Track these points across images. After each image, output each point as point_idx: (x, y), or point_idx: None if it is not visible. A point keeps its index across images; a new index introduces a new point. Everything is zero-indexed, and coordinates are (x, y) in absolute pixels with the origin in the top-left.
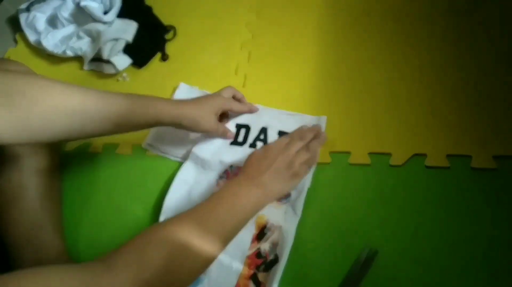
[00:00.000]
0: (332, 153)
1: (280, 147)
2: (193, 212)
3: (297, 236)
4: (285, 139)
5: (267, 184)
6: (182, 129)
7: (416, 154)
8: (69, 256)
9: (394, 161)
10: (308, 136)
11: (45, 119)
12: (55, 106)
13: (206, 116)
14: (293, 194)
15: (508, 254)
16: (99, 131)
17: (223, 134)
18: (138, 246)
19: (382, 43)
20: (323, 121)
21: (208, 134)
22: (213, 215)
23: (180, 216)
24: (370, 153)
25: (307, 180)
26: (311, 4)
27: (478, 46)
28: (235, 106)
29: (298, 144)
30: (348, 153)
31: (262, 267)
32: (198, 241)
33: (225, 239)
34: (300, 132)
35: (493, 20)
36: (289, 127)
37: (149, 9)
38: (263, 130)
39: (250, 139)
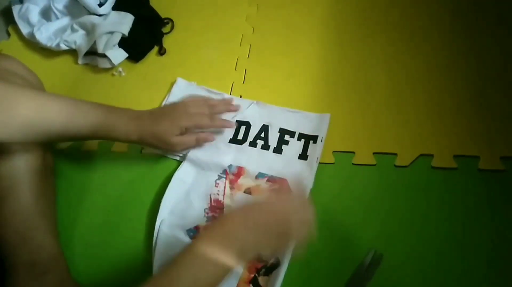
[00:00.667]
0: (335, 153)
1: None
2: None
3: None
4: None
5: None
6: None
7: (422, 155)
8: (64, 257)
9: (399, 161)
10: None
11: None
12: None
13: (169, 130)
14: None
15: None
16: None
17: (199, 142)
18: None
19: (387, 40)
20: (326, 119)
21: (177, 150)
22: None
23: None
24: (374, 153)
25: (309, 180)
26: None
27: (485, 46)
28: (203, 122)
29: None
30: (352, 153)
31: (263, 271)
32: None
33: None
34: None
35: (500, 19)
36: (291, 125)
37: (145, 1)
38: (264, 128)
39: (251, 137)
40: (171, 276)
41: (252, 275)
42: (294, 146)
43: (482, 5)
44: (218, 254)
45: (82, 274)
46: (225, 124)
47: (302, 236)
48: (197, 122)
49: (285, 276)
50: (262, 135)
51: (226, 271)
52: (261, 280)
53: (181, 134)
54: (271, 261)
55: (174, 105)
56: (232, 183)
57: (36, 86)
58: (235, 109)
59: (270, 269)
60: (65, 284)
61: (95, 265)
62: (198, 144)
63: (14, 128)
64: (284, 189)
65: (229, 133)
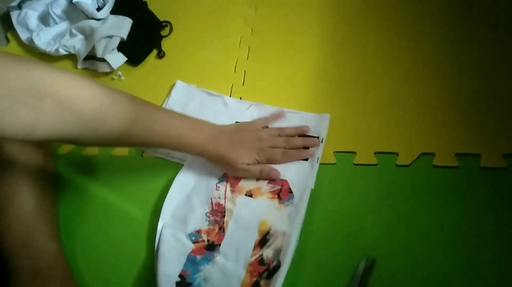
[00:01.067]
0: (336, 153)
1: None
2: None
3: (300, 239)
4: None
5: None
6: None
7: (423, 153)
8: (67, 262)
9: (401, 161)
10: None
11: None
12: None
13: (239, 159)
14: (296, 195)
15: None
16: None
17: (262, 175)
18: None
19: (386, 39)
20: (326, 119)
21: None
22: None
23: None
24: (376, 153)
25: (310, 181)
26: None
27: (486, 42)
28: (276, 158)
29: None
30: (353, 153)
31: (265, 274)
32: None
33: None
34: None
35: (501, 17)
36: (291, 126)
37: (144, 4)
38: None
39: None
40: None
41: (254, 279)
42: None
43: (482, 2)
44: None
45: (84, 278)
46: (301, 155)
47: (267, 156)
48: (269, 158)
49: (286, 276)
50: None
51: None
52: (263, 283)
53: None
54: (274, 264)
55: (250, 133)
56: (233, 186)
57: None
58: (314, 143)
59: (273, 272)
60: None
61: (97, 269)
62: (261, 177)
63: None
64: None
65: None
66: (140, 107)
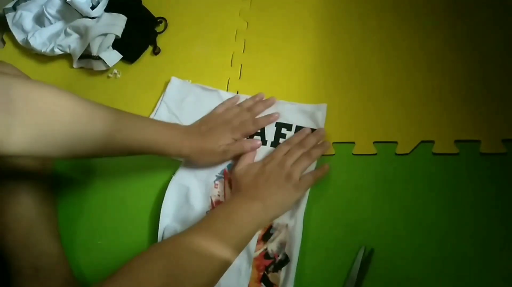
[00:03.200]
0: (335, 144)
1: (277, 158)
2: (190, 230)
3: (302, 232)
4: (284, 147)
5: (266, 198)
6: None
7: (423, 141)
8: (67, 260)
9: (400, 149)
10: (311, 143)
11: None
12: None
13: (216, 148)
14: None
15: None
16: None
17: (245, 149)
18: (134, 266)
19: (383, 27)
20: (323, 109)
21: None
22: (211, 232)
23: (177, 235)
24: (375, 143)
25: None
26: None
27: (483, 28)
28: (249, 129)
29: (297, 153)
30: (352, 143)
31: (272, 267)
32: (198, 257)
33: (228, 255)
34: (300, 138)
35: (500, 3)
36: (288, 118)
37: (138, 1)
38: None
39: None
40: (206, 225)
41: (261, 273)
42: None
43: None
44: (250, 206)
45: (85, 277)
46: (270, 120)
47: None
48: (243, 132)
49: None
50: (259, 130)
51: (258, 224)
52: (271, 277)
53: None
54: (279, 257)
55: (215, 120)
56: (231, 183)
57: None
58: (272, 102)
59: (279, 265)
60: None
61: (98, 268)
62: (245, 150)
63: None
64: None
65: None
66: (118, 117)
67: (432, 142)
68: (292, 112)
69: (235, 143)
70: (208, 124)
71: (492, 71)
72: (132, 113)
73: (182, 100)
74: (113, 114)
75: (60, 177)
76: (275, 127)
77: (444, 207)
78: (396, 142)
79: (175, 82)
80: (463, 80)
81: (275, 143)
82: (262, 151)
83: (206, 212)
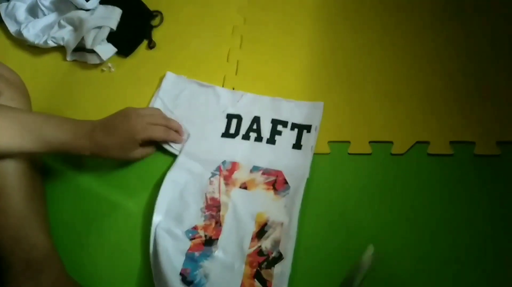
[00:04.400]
0: (331, 143)
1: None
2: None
3: (297, 230)
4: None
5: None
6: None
7: (418, 142)
8: (59, 254)
9: (395, 149)
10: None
11: None
12: None
13: (124, 145)
14: (292, 186)
15: None
16: None
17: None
18: None
19: (380, 28)
20: (319, 108)
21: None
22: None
23: None
24: (370, 142)
25: (305, 170)
26: None
27: (477, 30)
28: (158, 134)
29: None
30: (348, 142)
31: (265, 264)
32: None
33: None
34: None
35: (491, 3)
36: (283, 115)
37: None
38: (256, 120)
39: (243, 130)
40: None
41: (255, 270)
42: (288, 136)
43: None
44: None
45: (78, 271)
46: (178, 139)
47: (148, 134)
48: (151, 134)
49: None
50: (254, 127)
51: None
52: (264, 273)
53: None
54: (273, 254)
55: (127, 114)
56: (227, 179)
57: (17, 85)
58: (181, 139)
59: (272, 262)
60: (61, 281)
61: (91, 263)
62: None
63: None
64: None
65: (220, 127)
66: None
67: (428, 143)
68: (288, 109)
69: (146, 148)
70: (116, 119)
71: (487, 73)
72: (41, 114)
73: (177, 96)
74: (15, 123)
75: (51, 172)
76: (271, 124)
77: (438, 207)
78: (391, 142)
79: (170, 77)
80: (459, 82)
81: (271, 140)
82: (244, 146)
83: (201, 209)
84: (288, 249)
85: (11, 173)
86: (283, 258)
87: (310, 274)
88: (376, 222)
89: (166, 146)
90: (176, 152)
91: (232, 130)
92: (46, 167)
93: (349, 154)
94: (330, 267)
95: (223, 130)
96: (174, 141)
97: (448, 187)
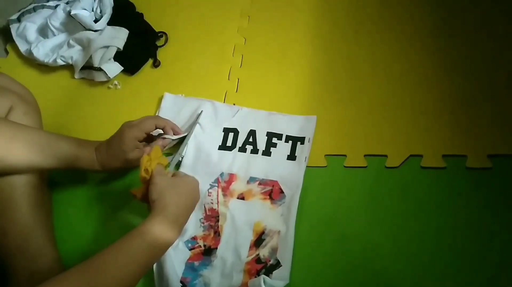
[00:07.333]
0: (327, 157)
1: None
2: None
3: (294, 240)
4: None
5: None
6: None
7: (412, 155)
8: (63, 265)
9: (390, 163)
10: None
11: None
12: None
13: (124, 147)
14: (288, 195)
15: (506, 252)
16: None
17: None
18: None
19: (375, 45)
20: (312, 121)
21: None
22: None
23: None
24: (366, 155)
25: (299, 179)
26: (303, 8)
27: (470, 47)
28: (149, 126)
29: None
30: (344, 156)
31: (263, 271)
32: (111, 277)
33: (139, 273)
34: None
35: (484, 21)
36: (278, 128)
37: (140, 15)
38: (252, 133)
39: (239, 143)
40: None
41: (253, 277)
42: (282, 148)
43: (465, 8)
44: (169, 234)
45: None
46: (167, 123)
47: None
48: (144, 129)
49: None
50: (251, 139)
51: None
52: None
53: (137, 147)
54: (271, 262)
55: (121, 127)
56: (225, 191)
57: (30, 101)
58: (170, 123)
59: (270, 269)
60: None
61: None
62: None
63: None
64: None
65: (218, 140)
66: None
67: (421, 156)
68: (283, 123)
69: (143, 149)
70: (116, 133)
71: (479, 89)
72: (54, 133)
73: (178, 113)
74: (34, 140)
75: (57, 184)
76: (266, 137)
77: (431, 218)
78: (386, 156)
79: (168, 97)
80: (451, 97)
81: (266, 152)
82: (240, 158)
83: (200, 220)
84: (285, 256)
85: (20, 186)
86: (280, 265)
87: (305, 281)
88: (371, 234)
89: (165, 136)
90: (173, 137)
91: (229, 143)
92: (53, 180)
93: (345, 167)
94: (324, 279)
95: (220, 143)
96: (164, 127)
97: (441, 199)
